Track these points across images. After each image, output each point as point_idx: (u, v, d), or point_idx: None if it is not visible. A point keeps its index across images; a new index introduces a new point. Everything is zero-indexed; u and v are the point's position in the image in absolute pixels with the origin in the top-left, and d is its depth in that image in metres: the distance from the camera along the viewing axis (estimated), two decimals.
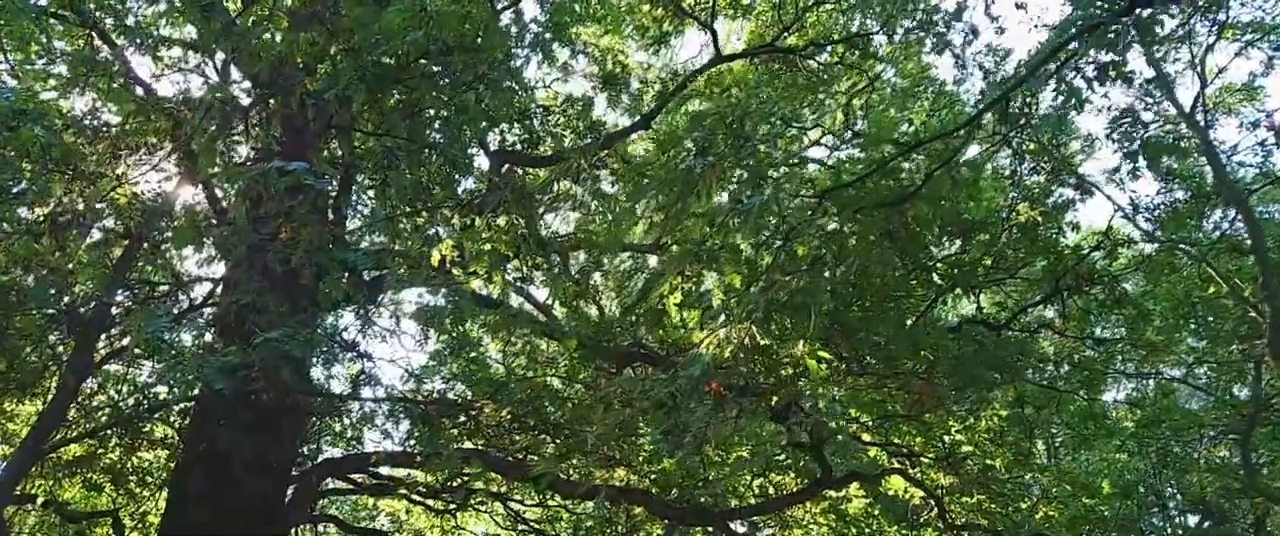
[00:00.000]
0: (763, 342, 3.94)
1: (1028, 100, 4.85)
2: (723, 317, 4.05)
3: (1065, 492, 9.38)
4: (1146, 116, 10.74)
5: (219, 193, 6.83)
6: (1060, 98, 4.74)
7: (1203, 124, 10.17)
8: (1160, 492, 11.91)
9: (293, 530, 13.67)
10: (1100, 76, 4.46)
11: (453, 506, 13.69)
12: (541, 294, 12.11)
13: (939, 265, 7.43)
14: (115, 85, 6.11)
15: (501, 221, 7.51)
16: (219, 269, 8.59)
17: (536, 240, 10.47)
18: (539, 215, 11.72)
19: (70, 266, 5.38)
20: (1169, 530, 12.42)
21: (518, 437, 8.22)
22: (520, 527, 14.04)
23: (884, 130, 9.50)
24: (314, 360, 6.64)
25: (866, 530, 10.67)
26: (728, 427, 4.00)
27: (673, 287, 4.40)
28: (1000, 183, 10.63)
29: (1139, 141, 6.04)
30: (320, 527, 15.58)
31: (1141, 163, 7.11)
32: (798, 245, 4.17)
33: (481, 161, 10.49)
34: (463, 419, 8.12)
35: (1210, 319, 10.36)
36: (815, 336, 5.13)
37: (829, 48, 11.52)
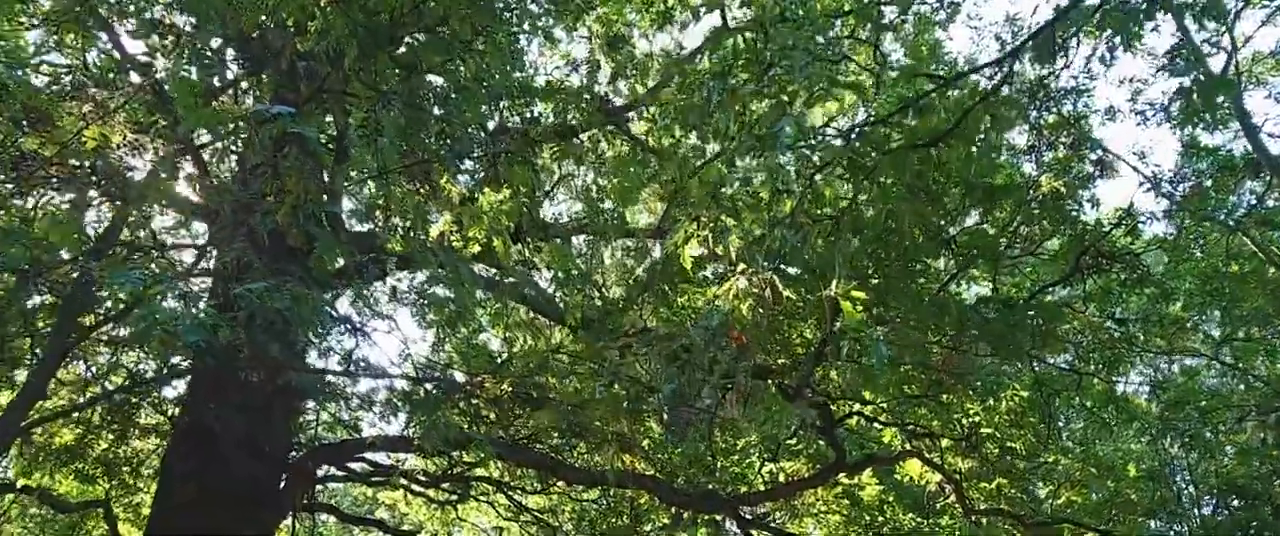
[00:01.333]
0: (785, 293, 3.60)
1: (1068, 37, 4.50)
2: (741, 267, 3.73)
3: (1090, 475, 9.02)
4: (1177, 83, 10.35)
5: (207, 156, 6.50)
6: (1104, 39, 4.39)
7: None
8: (1191, 471, 11.54)
9: (289, 519, 13.41)
10: (1149, 9, 4.11)
11: (453, 498, 13.37)
12: (542, 280, 11.78)
13: (960, 236, 7.07)
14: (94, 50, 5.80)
15: (505, 192, 7.17)
16: (204, 247, 8.28)
17: (539, 224, 10.16)
18: (541, 194, 11.39)
19: (40, 222, 5.05)
20: (1196, 513, 12.05)
21: (519, 413, 7.86)
22: (522, 519, 13.70)
23: (919, 62, 9.04)
24: (303, 328, 6.29)
25: (881, 518, 10.30)
26: (741, 400, 3.65)
27: (688, 236, 4.05)
28: (1020, 156, 10.26)
29: (1192, 79, 5.67)
30: (320, 517, 15.31)
31: (1187, 106, 6.68)
32: (825, 186, 3.83)
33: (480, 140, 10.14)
34: (461, 397, 7.77)
35: (1238, 296, 9.99)
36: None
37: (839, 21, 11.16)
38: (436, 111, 6.67)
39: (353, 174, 5.51)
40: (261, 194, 4.90)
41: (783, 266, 3.91)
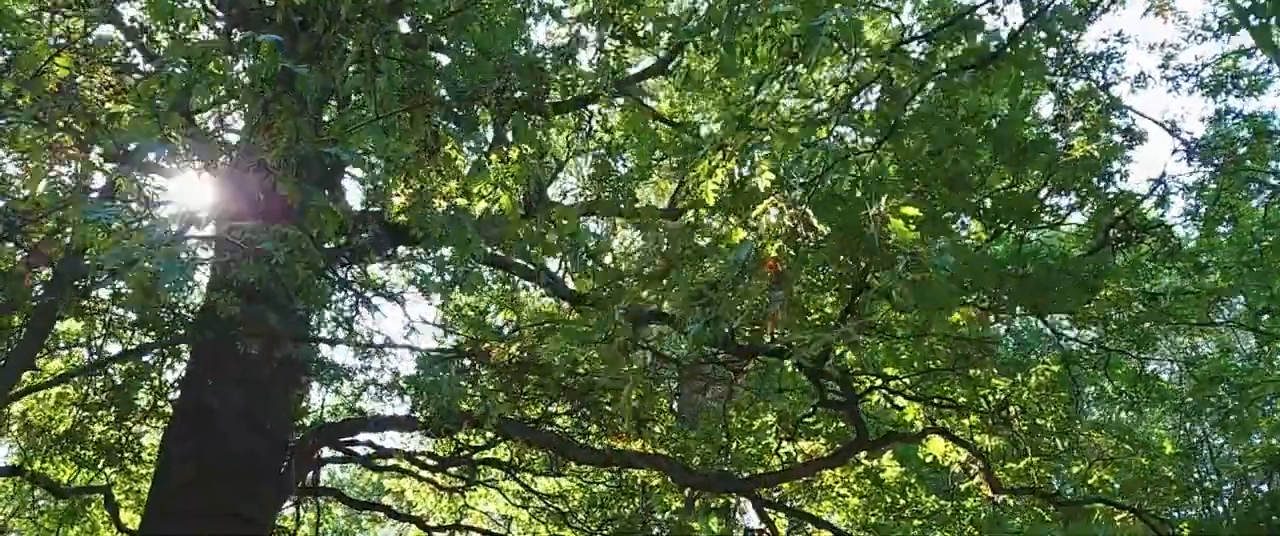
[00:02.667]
0: (819, 227, 3.27)
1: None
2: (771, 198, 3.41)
3: (1124, 452, 8.65)
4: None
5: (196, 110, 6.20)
6: None
7: None
8: (1211, 453, 11.15)
9: (294, 507, 13.14)
10: None
11: (460, 483, 13.06)
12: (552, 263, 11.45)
13: (990, 197, 6.71)
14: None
15: (515, 154, 6.83)
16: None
17: (547, 202, 9.82)
18: (550, 173, 11.04)
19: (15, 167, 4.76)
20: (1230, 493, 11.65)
21: (529, 380, 7.53)
22: (532, 505, 13.38)
23: None
24: (302, 295, 6.01)
25: (902, 500, 9.95)
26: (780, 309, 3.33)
27: (711, 167, 3.70)
28: (1045, 128, 9.87)
29: None
30: (322, 501, 15.04)
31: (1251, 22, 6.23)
32: (865, 115, 3.48)
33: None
34: (469, 368, 7.46)
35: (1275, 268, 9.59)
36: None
37: None
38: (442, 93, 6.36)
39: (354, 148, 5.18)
40: (249, 138, 4.57)
41: (817, 194, 3.59)
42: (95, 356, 8.06)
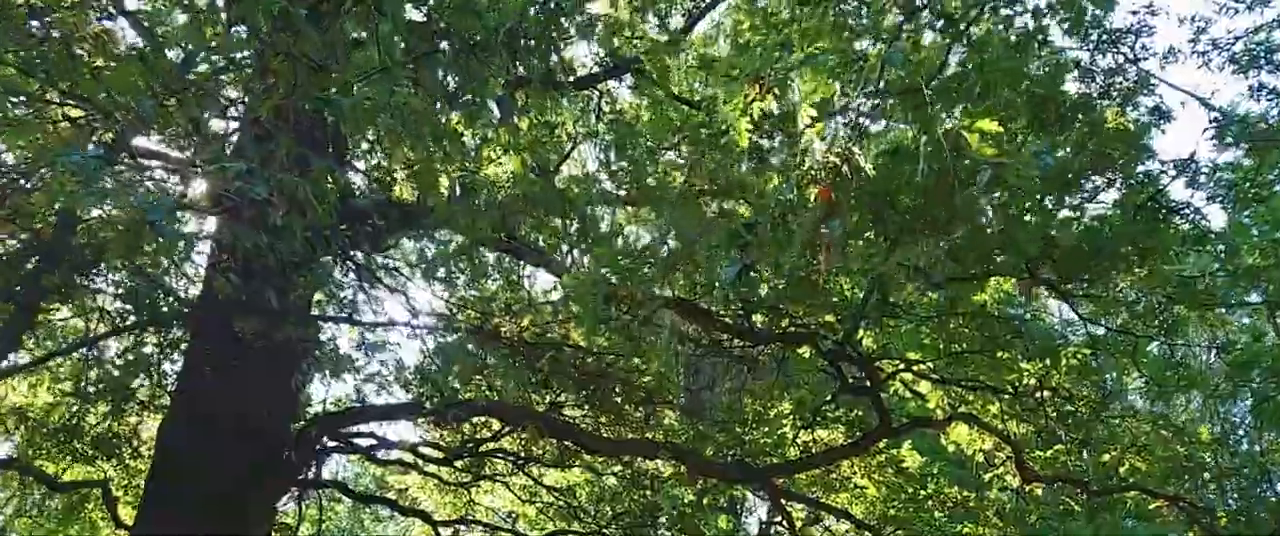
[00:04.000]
0: (866, 167, 2.94)
1: None
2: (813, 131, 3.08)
3: (1160, 438, 8.29)
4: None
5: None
6: None
7: None
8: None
9: (297, 504, 12.84)
10: None
11: (467, 478, 12.73)
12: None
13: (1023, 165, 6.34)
14: None
15: (525, 124, 6.51)
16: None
17: (552, 187, 9.48)
18: (559, 151, 10.70)
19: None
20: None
21: (539, 364, 7.21)
22: (539, 500, 13.04)
23: None
24: (303, 274, 5.71)
25: (923, 492, 9.59)
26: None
27: (746, 101, 3.36)
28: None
29: None
30: (325, 496, 14.72)
31: None
32: (910, 41, 3.16)
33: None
34: (472, 348, 7.14)
35: None
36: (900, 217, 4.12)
37: None
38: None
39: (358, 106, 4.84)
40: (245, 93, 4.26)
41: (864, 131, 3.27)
42: (91, 333, 7.74)
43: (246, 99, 4.35)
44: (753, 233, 2.62)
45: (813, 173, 2.78)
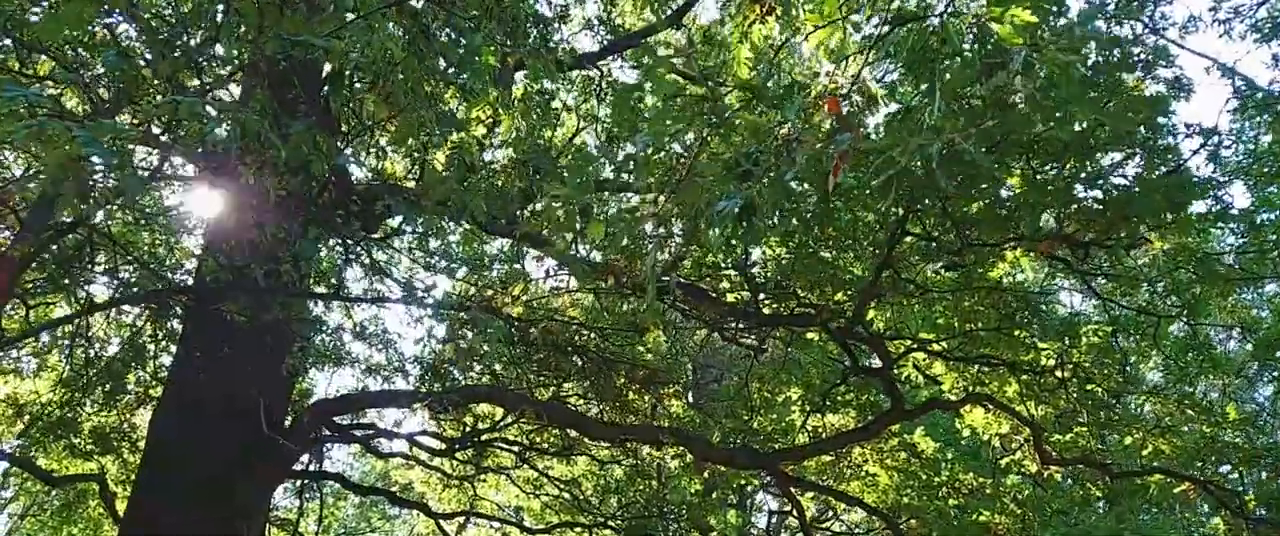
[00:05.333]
0: (877, 93, 2.67)
1: None
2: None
3: (1186, 418, 7.96)
4: None
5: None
6: None
7: None
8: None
9: (298, 494, 12.62)
10: None
11: (470, 471, 12.48)
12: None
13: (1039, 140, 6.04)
14: None
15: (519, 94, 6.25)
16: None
17: (552, 164, 9.21)
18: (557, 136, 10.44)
19: None
20: None
21: (538, 347, 6.96)
22: (543, 494, 12.78)
23: None
24: (298, 255, 5.46)
25: (938, 478, 9.27)
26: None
27: (744, 24, 3.10)
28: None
29: None
30: (326, 493, 14.50)
31: None
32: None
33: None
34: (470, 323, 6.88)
35: None
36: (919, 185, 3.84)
37: None
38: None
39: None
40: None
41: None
42: (81, 302, 7.52)
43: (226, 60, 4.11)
44: (753, 162, 2.36)
45: (820, 90, 2.52)
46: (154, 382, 10.40)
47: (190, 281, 9.07)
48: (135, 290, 6.78)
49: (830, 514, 13.64)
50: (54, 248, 6.73)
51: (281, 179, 5.30)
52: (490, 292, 6.93)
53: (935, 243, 5.80)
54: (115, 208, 6.46)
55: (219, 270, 6.78)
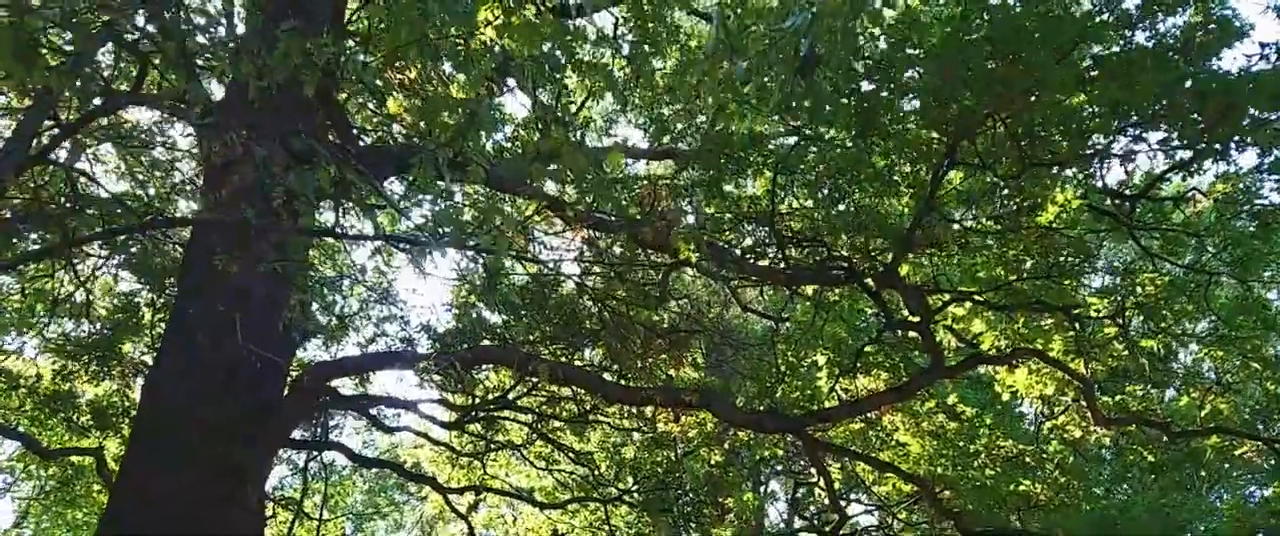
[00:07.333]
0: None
1: None
2: None
3: (1250, 374, 7.40)
4: None
5: None
6: None
7: None
8: None
9: (302, 471, 12.19)
10: None
11: (479, 446, 12.00)
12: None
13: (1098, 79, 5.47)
14: None
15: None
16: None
17: (562, 125, 8.70)
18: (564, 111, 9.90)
19: None
20: None
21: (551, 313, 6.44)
22: (558, 470, 12.29)
23: None
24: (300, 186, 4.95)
25: (974, 446, 8.72)
26: None
27: None
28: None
29: None
30: (334, 479, 14.09)
31: None
32: None
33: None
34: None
35: None
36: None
37: None
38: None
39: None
40: None
41: None
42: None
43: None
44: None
45: None
46: (151, 351, 10.01)
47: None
48: (122, 224, 6.33)
49: (855, 491, 13.08)
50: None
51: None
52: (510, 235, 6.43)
53: (989, 167, 5.26)
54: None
55: (213, 207, 6.32)
